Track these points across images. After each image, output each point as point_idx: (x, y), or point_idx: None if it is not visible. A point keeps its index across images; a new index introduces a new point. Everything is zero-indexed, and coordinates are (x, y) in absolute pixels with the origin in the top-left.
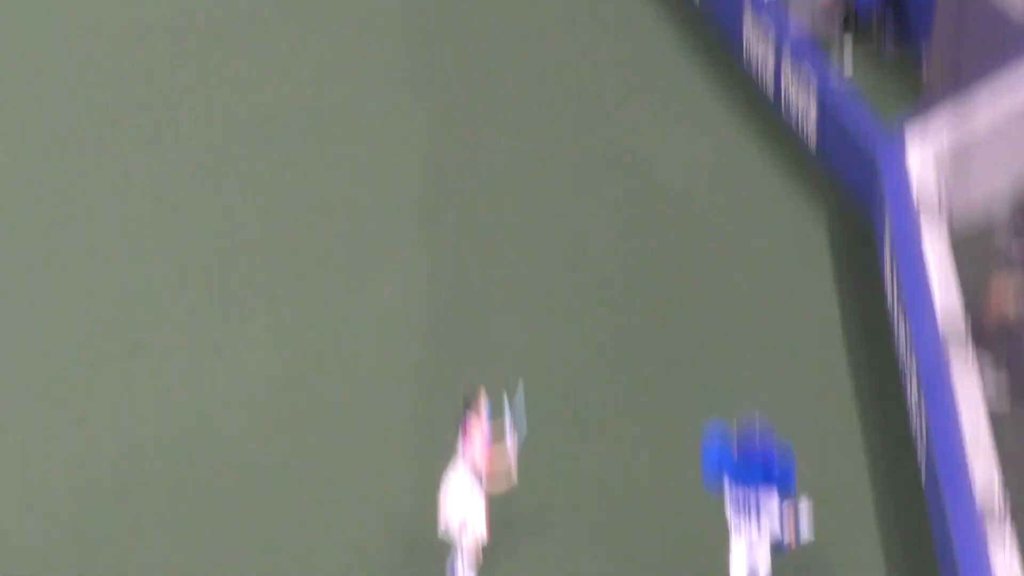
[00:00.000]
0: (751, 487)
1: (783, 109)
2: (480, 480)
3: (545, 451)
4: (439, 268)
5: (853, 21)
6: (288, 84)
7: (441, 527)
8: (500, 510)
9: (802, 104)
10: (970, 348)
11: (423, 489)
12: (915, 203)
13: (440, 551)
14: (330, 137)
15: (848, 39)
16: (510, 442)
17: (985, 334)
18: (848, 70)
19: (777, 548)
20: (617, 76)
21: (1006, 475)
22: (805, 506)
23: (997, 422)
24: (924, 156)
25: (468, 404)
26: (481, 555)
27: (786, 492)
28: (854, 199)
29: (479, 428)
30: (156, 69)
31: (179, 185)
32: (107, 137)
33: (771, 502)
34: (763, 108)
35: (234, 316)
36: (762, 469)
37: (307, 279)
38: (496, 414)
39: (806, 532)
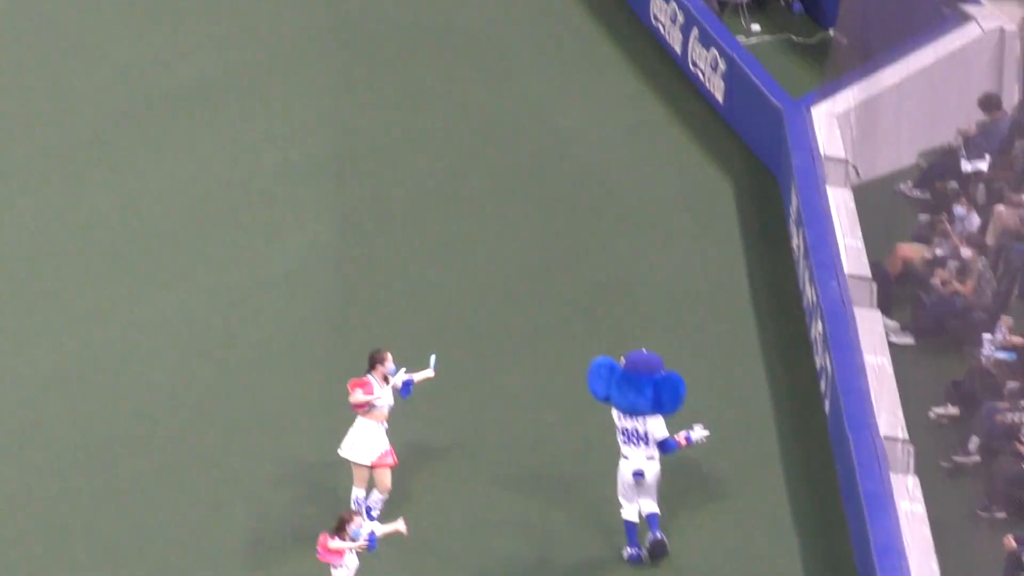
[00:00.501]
0: (638, 416)
1: (690, 67)
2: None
3: (455, 399)
4: (346, 227)
5: None
6: (202, 53)
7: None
8: (408, 453)
9: (709, 63)
10: (873, 290)
11: (329, 434)
12: (820, 156)
13: (345, 492)
14: (243, 103)
15: None
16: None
17: (888, 276)
18: (755, 28)
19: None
20: (522, 39)
21: (908, 410)
22: (699, 432)
23: (899, 359)
24: (829, 113)
25: (373, 362)
26: (389, 485)
27: (671, 413)
28: (760, 154)
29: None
30: (68, 39)
31: (92, 150)
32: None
33: (657, 423)
34: (670, 67)
35: (148, 270)
36: (650, 393)
37: (220, 236)
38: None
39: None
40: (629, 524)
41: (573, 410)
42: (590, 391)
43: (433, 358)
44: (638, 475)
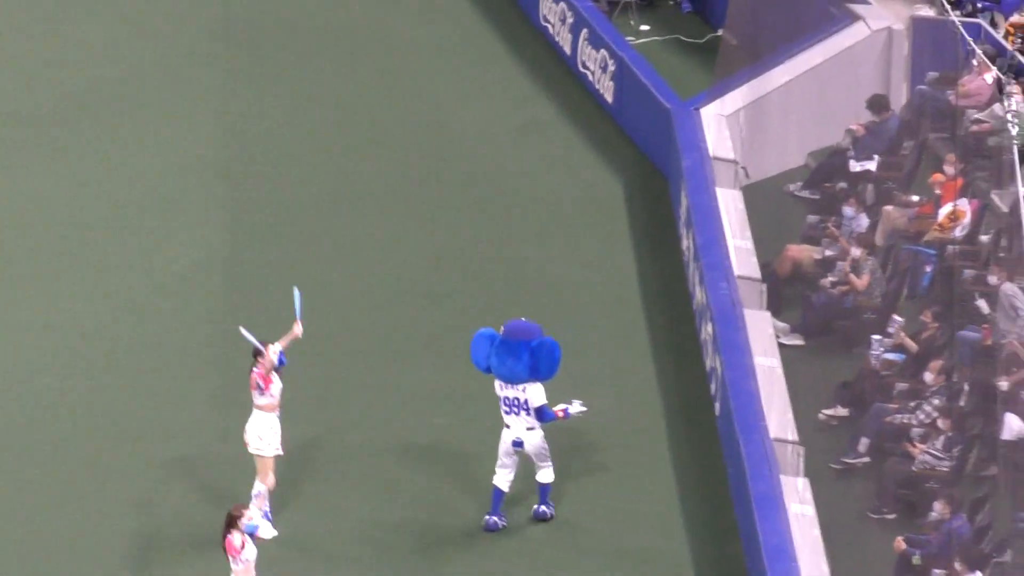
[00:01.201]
0: (518, 384)
1: (580, 68)
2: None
3: (346, 400)
4: (236, 228)
5: None
6: (91, 55)
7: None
8: (299, 453)
9: (599, 63)
10: (763, 291)
11: (219, 437)
12: (709, 157)
13: (234, 492)
14: (132, 105)
15: None
16: (297, 328)
17: (778, 277)
18: (644, 29)
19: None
20: (413, 38)
21: (798, 412)
22: (577, 407)
23: (789, 360)
24: (718, 113)
25: (256, 355)
26: (274, 480)
27: (548, 378)
28: (650, 155)
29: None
30: None
31: None
32: None
33: (536, 390)
34: (560, 68)
35: (36, 273)
36: (528, 358)
37: (109, 239)
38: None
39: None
40: (497, 491)
41: (465, 409)
42: (473, 362)
43: (297, 295)
44: (517, 444)
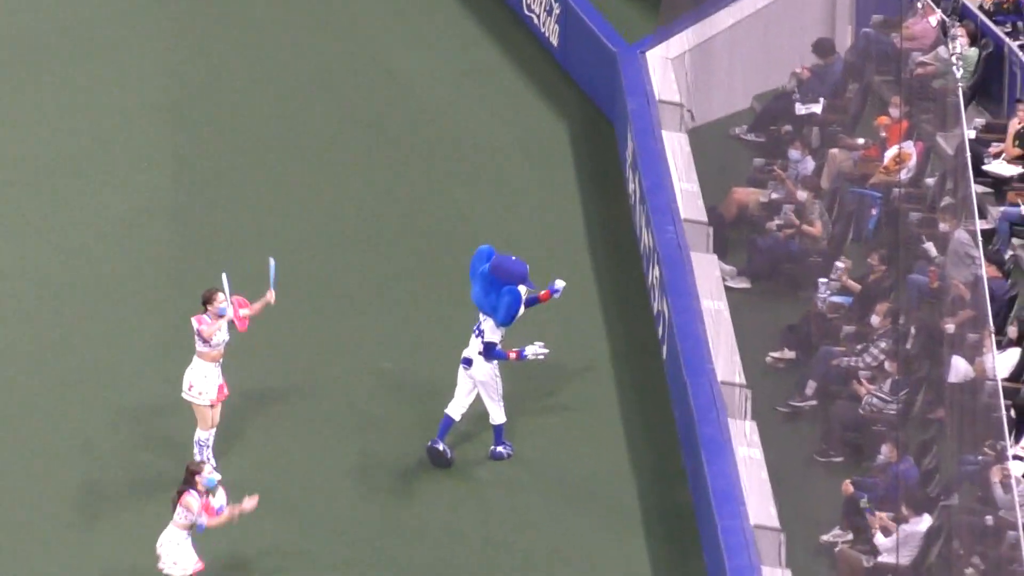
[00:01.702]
0: (487, 313)
1: (525, 11)
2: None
3: (293, 347)
4: (182, 173)
5: None
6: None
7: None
8: (248, 399)
9: (544, 6)
10: (709, 234)
11: (166, 381)
12: (655, 100)
13: (182, 437)
14: (77, 50)
15: None
16: (270, 295)
17: (724, 220)
18: None
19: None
20: None
21: (745, 355)
22: (534, 349)
23: (736, 303)
24: (664, 56)
25: (205, 301)
26: (210, 419)
27: (499, 325)
28: (596, 99)
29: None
30: None
31: None
32: None
33: (491, 325)
34: (505, 11)
35: None
36: (493, 299)
37: (55, 184)
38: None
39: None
40: (446, 418)
41: (412, 357)
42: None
43: (272, 264)
44: (465, 362)
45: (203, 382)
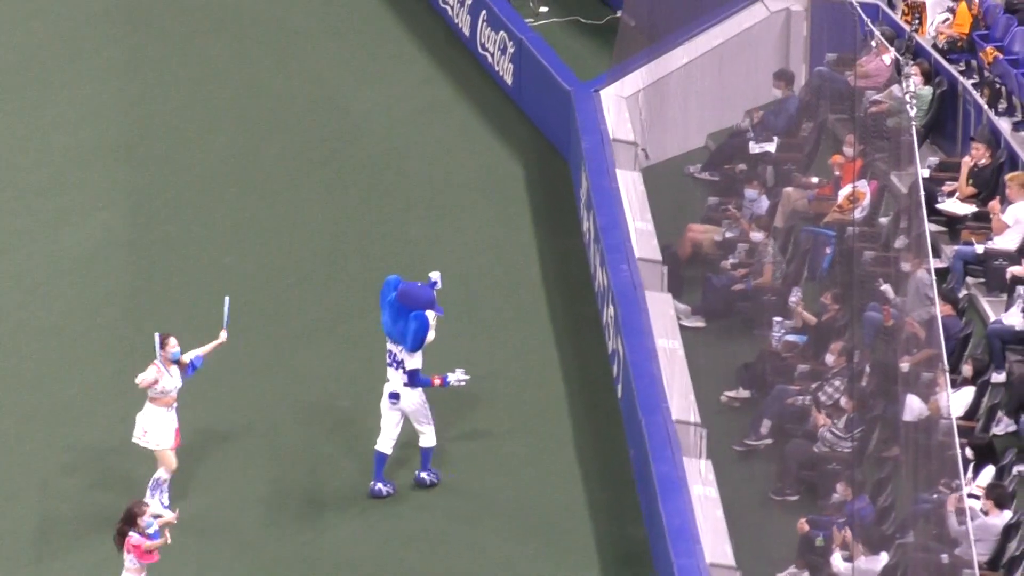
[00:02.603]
0: (396, 343)
1: (479, 50)
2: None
3: (249, 383)
4: (137, 210)
5: None
6: None
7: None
8: (203, 438)
9: (498, 45)
10: (664, 273)
11: (122, 420)
12: (609, 138)
13: (139, 477)
14: (31, 87)
15: None
16: (223, 336)
17: (678, 259)
18: (543, 10)
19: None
20: (313, 20)
21: (700, 394)
22: (457, 376)
23: (690, 342)
24: (618, 95)
25: (162, 344)
26: (175, 462)
27: (410, 351)
28: (550, 137)
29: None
30: None
31: None
32: None
33: (410, 358)
34: (460, 50)
35: None
36: (401, 326)
37: (10, 222)
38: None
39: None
40: (379, 455)
41: (368, 392)
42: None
43: (227, 303)
44: (393, 397)
45: (155, 427)
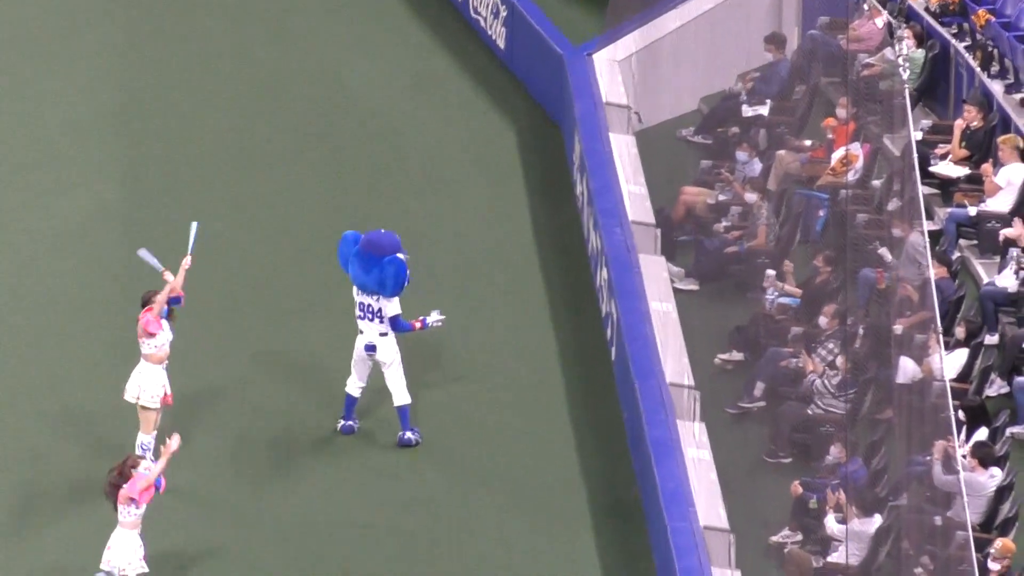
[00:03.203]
0: (372, 293)
1: (472, 15)
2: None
3: (242, 356)
4: (132, 185)
5: None
6: None
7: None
8: (194, 407)
9: (491, 9)
10: (657, 236)
11: (115, 390)
12: (602, 102)
13: (130, 439)
14: (28, 61)
15: None
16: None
17: (671, 222)
18: None
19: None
20: None
21: (693, 357)
22: (435, 317)
23: (684, 305)
24: (610, 59)
25: (145, 302)
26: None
27: (391, 296)
28: (543, 102)
29: (154, 322)
30: None
31: None
32: None
33: (390, 301)
34: (453, 16)
35: None
36: (377, 274)
37: (4, 195)
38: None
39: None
40: (349, 397)
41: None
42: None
43: (194, 228)
44: (370, 349)
45: (150, 384)
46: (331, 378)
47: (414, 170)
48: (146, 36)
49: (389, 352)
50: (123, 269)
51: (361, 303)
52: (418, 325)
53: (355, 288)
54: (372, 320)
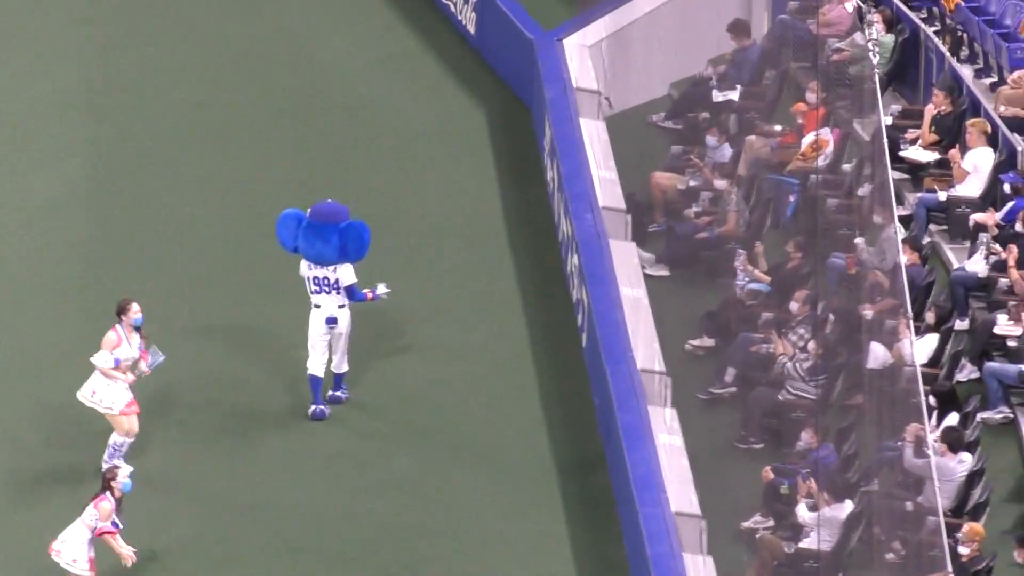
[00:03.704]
0: (328, 265)
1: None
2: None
3: (211, 337)
4: (99, 162)
5: None
6: None
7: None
8: (164, 394)
9: None
10: (628, 222)
11: (84, 373)
12: (573, 87)
13: (102, 430)
14: None
15: None
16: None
17: (642, 208)
18: None
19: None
20: None
21: (664, 342)
22: (382, 289)
23: (655, 291)
24: (581, 44)
25: (120, 311)
26: (136, 427)
27: (356, 260)
28: (513, 86)
29: (127, 333)
30: None
31: None
32: None
33: (346, 270)
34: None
35: None
36: (337, 241)
37: None
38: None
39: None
40: (314, 379)
41: None
42: (279, 242)
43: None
44: (331, 321)
45: (108, 391)
46: (302, 357)
47: (383, 148)
48: (112, 12)
49: (346, 322)
50: (94, 247)
51: (315, 277)
52: (370, 295)
53: (305, 264)
54: (330, 292)
